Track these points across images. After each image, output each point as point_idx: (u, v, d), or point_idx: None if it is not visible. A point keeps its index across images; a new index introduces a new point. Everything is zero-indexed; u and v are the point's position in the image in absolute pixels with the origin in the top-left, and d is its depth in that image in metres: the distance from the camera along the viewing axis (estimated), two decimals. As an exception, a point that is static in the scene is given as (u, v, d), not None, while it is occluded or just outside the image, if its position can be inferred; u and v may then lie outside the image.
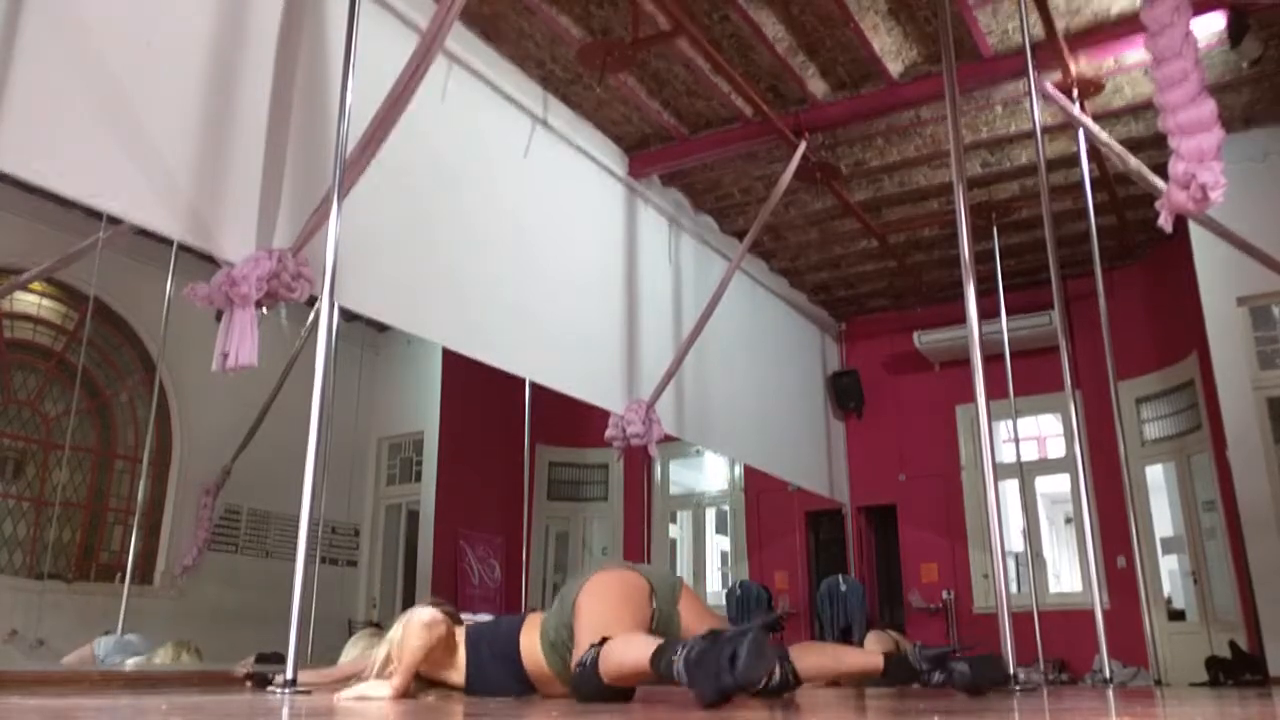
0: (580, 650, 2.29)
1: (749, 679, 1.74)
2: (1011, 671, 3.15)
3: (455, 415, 8.88)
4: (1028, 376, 7.12)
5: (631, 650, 2.06)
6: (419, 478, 9.13)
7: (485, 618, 3.08)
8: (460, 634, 2.77)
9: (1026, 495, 7.71)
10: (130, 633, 5.91)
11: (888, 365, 9.30)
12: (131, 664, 5.27)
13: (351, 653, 2.94)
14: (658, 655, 1.93)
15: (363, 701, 2.58)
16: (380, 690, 2.65)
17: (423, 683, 2.77)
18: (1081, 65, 5.37)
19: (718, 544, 10.69)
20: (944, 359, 8.75)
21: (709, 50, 5.16)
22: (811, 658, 2.78)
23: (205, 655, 5.57)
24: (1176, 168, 3.68)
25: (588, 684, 2.14)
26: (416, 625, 2.70)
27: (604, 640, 2.17)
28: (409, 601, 7.22)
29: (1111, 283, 6.59)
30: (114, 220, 4.92)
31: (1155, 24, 3.74)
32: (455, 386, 8.84)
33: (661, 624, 2.60)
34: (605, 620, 2.36)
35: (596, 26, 5.14)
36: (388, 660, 2.73)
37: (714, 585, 10.23)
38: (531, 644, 2.69)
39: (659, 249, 6.82)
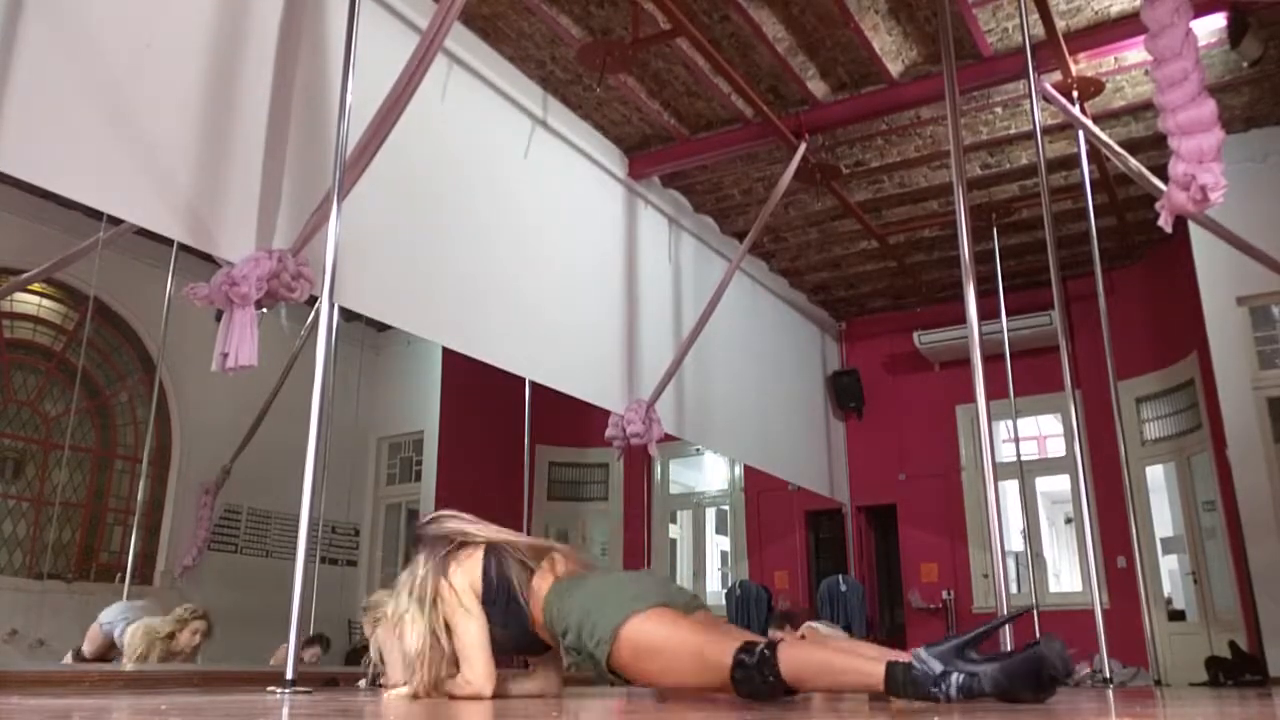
0: (701, 676, 2.25)
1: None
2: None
3: (455, 415, 8.88)
4: (1028, 376, 7.12)
5: (847, 674, 2.06)
6: (419, 477, 9.14)
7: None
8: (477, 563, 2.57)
9: (1026, 495, 7.71)
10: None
11: (888, 365, 9.30)
12: (132, 628, 5.26)
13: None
14: (898, 679, 1.96)
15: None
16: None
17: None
18: (1081, 65, 5.37)
19: (718, 544, 10.69)
20: (944, 359, 8.75)
21: (709, 50, 5.16)
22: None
23: (204, 655, 5.56)
24: (1176, 168, 3.68)
25: (758, 683, 2.13)
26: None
27: (773, 643, 2.15)
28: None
29: (1111, 283, 6.60)
30: (114, 220, 4.92)
31: (1155, 24, 3.74)
32: (455, 386, 8.84)
33: None
34: (676, 650, 2.31)
35: (596, 26, 5.14)
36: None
37: (714, 585, 10.24)
38: (539, 593, 2.53)
39: (659, 249, 6.81)
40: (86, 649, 5.49)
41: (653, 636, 2.31)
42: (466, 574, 2.55)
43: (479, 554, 2.58)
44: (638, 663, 2.32)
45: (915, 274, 8.43)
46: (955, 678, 1.87)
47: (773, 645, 2.13)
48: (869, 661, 2.03)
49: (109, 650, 5.47)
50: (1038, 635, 2.30)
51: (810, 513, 9.31)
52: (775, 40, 5.28)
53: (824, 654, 2.17)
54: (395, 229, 4.57)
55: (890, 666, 1.97)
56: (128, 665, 5.05)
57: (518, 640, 2.59)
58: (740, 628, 2.67)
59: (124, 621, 5.39)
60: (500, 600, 2.53)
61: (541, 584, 2.54)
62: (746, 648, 2.15)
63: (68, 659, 5.52)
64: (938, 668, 1.91)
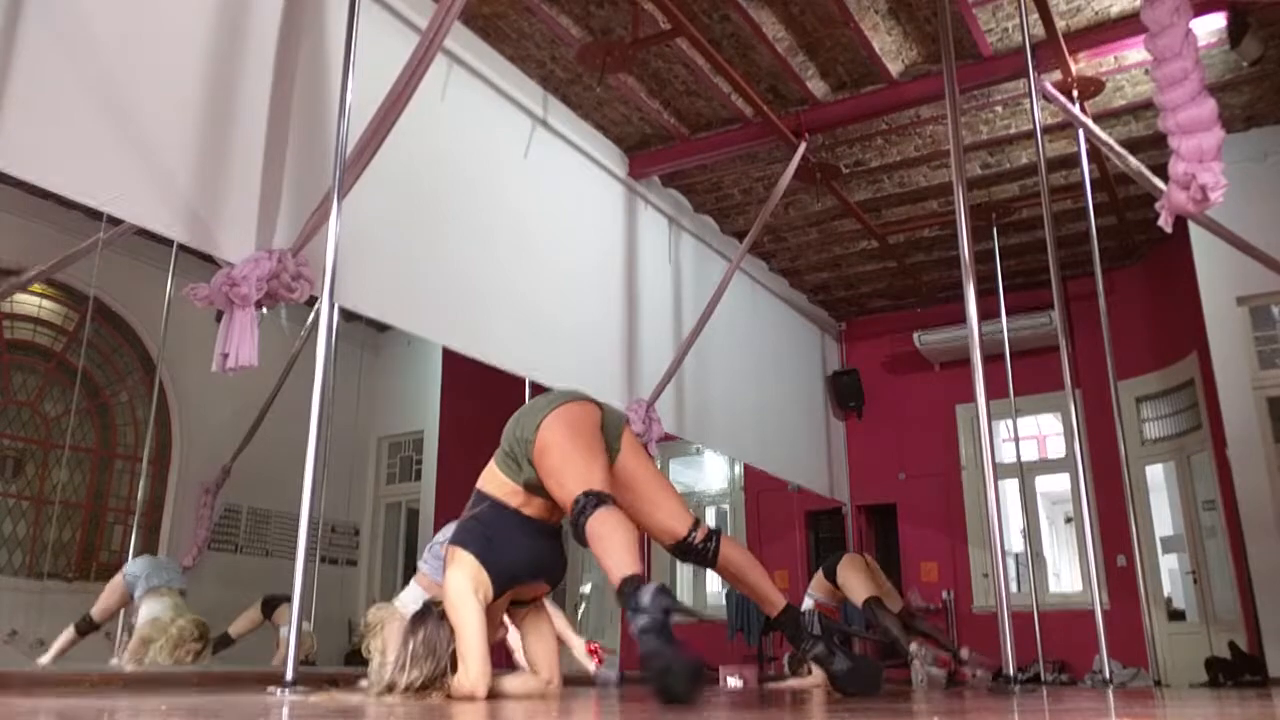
0: (567, 495, 2.47)
1: (681, 699, 2.02)
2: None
3: (455, 414, 8.88)
4: (1028, 376, 7.12)
5: (611, 557, 2.27)
6: (419, 477, 9.15)
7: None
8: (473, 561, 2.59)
9: (1026, 495, 7.70)
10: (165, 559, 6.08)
11: (888, 365, 9.30)
12: (140, 622, 5.33)
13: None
14: (623, 588, 2.18)
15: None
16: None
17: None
18: (1081, 65, 5.37)
19: (718, 544, 10.65)
20: (944, 359, 8.75)
21: (709, 50, 5.16)
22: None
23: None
24: (1176, 168, 3.67)
25: (571, 523, 2.43)
26: (458, 589, 2.50)
27: (599, 502, 2.37)
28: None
29: (1111, 283, 6.60)
30: (114, 220, 4.93)
31: (1155, 24, 3.73)
32: (455, 386, 8.84)
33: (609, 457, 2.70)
34: (573, 456, 2.53)
35: (596, 26, 5.14)
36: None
37: (714, 585, 10.24)
38: (493, 473, 2.69)
39: (659, 249, 6.81)
40: (97, 609, 5.59)
41: (556, 439, 2.55)
42: (456, 565, 2.56)
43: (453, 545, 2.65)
44: (541, 458, 2.55)
45: (915, 274, 8.43)
46: (642, 619, 2.11)
47: (598, 504, 2.37)
48: (619, 567, 2.23)
49: (124, 603, 5.60)
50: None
51: (810, 512, 9.31)
52: (775, 40, 5.28)
53: (615, 537, 2.33)
54: (395, 229, 4.57)
55: (623, 580, 2.21)
56: (127, 666, 5.06)
57: (546, 534, 2.69)
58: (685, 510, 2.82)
59: (145, 581, 5.52)
60: (492, 529, 2.61)
61: (489, 465, 2.73)
62: (585, 496, 2.40)
63: (69, 631, 5.56)
64: (644, 602, 2.12)
